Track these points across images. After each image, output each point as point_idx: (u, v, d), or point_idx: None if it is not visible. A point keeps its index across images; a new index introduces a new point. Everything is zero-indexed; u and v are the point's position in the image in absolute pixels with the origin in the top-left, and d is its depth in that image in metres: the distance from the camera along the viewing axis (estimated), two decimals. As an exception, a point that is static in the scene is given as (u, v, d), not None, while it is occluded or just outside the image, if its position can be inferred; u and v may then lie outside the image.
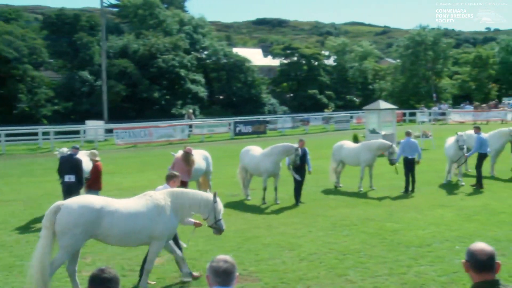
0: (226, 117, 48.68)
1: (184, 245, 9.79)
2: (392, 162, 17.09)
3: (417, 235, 11.49)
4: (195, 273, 9.20)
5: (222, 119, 44.92)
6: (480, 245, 3.83)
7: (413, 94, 72.59)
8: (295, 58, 72.89)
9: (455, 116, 50.69)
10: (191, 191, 9.20)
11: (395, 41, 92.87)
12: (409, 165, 16.80)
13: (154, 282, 9.10)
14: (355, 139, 28.95)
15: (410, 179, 16.80)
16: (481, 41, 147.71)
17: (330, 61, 77.50)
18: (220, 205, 8.78)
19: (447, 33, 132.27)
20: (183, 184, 13.81)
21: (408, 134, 17.58)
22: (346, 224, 12.81)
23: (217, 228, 8.79)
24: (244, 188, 16.82)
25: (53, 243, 8.11)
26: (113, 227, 8.18)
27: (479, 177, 17.19)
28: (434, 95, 70.59)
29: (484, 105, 56.65)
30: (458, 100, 71.04)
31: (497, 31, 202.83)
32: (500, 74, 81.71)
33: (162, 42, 55.64)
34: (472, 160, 18.42)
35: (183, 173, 13.37)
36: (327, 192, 17.53)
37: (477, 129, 18.22)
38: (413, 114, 51.85)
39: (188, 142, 33.63)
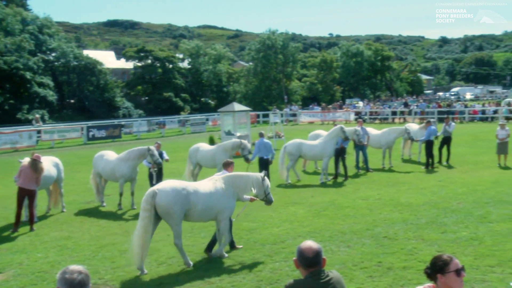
0: (78, 121, 46.70)
1: (233, 219, 10.98)
2: (246, 159, 17.47)
3: (272, 233, 11.91)
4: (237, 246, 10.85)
5: (73, 124, 43.05)
6: (308, 243, 4.10)
7: (265, 96, 75.15)
8: (149, 61, 71.99)
9: (305, 117, 53.24)
10: (244, 173, 10.76)
11: (247, 44, 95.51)
12: (264, 165, 17.40)
13: (241, 246, 10.85)
14: (211, 141, 29.26)
15: (265, 178, 17.39)
16: (325, 46, 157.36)
17: (185, 64, 77.60)
18: (267, 181, 10.44)
19: (295, 37, 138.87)
20: (30, 193, 13.04)
21: (261, 135, 18.19)
22: (204, 226, 12.87)
23: (268, 200, 10.47)
24: (98, 195, 16.25)
25: (152, 224, 9.53)
26: (197, 203, 9.74)
27: (337, 171, 18.74)
28: (285, 97, 73.73)
29: (330, 106, 60.26)
30: (307, 102, 74.85)
31: (338, 36, 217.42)
32: (343, 77, 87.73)
33: (3, 42, 51.77)
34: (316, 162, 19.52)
35: (30, 181, 12.80)
36: (184, 194, 17.48)
37: (361, 122, 19.69)
38: (266, 116, 53.60)
39: (37, 149, 31.75)
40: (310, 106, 64.72)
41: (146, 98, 72.26)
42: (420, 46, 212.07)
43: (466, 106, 51.09)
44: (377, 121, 48.80)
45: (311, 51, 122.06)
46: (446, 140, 21.61)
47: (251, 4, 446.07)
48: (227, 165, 11.29)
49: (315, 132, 22.14)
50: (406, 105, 56.10)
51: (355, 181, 18.92)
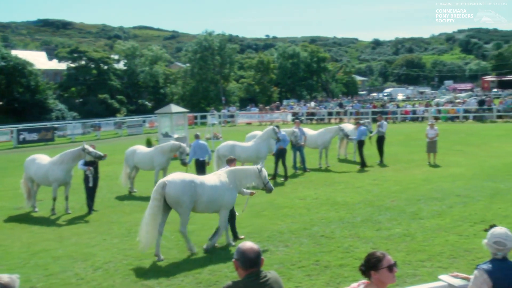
0: (7, 124, 44.93)
1: (237, 213, 11.74)
2: (183, 162, 17.43)
3: (210, 235, 11.86)
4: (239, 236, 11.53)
5: (2, 127, 41.34)
6: (249, 244, 4.11)
7: (203, 98, 74.93)
8: (83, 62, 70.25)
9: (242, 118, 53.38)
10: (244, 167, 11.54)
11: (184, 45, 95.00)
12: (201, 167, 17.34)
13: (243, 236, 11.41)
14: (149, 143, 28.88)
15: (203, 180, 17.34)
16: (262, 47, 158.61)
17: (120, 65, 76.19)
18: (264, 172, 10.97)
19: (231, 39, 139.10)
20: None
21: (197, 136, 18.11)
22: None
23: (268, 189, 10.99)
24: (29, 200, 15.67)
25: (161, 213, 10.15)
26: (203, 195, 10.36)
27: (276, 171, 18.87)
28: (223, 98, 73.78)
29: (268, 107, 60.73)
30: (245, 103, 75.14)
31: (275, 38, 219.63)
32: (280, 78, 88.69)
33: None
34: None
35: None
36: (121, 198, 17.21)
37: (277, 128, 19.80)
38: (204, 117, 53.43)
39: (-37, 154, 30.30)
40: (248, 107, 64.96)
41: (81, 100, 70.45)
42: (354, 48, 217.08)
43: (398, 107, 52.71)
44: (314, 122, 49.57)
45: (248, 53, 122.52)
46: (380, 140, 22.24)
47: (188, 5, 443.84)
48: (230, 161, 12.01)
49: (253, 133, 22.22)
50: (341, 105, 57.33)
51: (293, 181, 19.14)
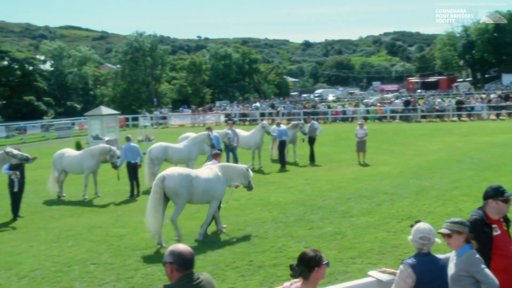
0: None
1: (222, 205, 12.70)
2: (115, 166, 17.10)
3: (143, 238, 11.69)
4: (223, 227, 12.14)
5: None
6: (182, 246, 4.08)
7: (135, 99, 73.67)
8: (6, 62, 67.28)
9: (175, 119, 52.92)
10: (235, 164, 12.87)
11: (114, 46, 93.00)
12: (132, 170, 17.06)
13: (225, 226, 12.21)
14: (78, 146, 28.13)
15: (135, 183, 17.08)
16: (194, 48, 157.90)
17: (47, 66, 73.61)
18: (251, 172, 12.21)
19: (163, 39, 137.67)
20: None
21: (128, 139, 17.79)
22: (72, 234, 12.38)
23: (249, 187, 12.26)
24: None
25: (162, 204, 10.99)
26: (198, 187, 11.30)
27: None
28: (155, 99, 72.85)
29: (200, 108, 60.47)
30: (177, 104, 74.53)
31: (207, 39, 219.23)
32: (212, 79, 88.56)
33: None
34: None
35: None
36: (49, 203, 16.66)
37: (210, 129, 19.71)
38: (136, 119, 52.57)
39: None
40: (180, 108, 64.45)
41: (4, 102, 67.51)
42: (285, 49, 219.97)
43: (329, 107, 53.82)
44: (246, 123, 49.82)
45: (180, 54, 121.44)
46: (311, 140, 22.66)
47: (117, 5, 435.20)
48: (216, 156, 12.98)
49: (185, 134, 22.08)
50: (273, 106, 57.87)
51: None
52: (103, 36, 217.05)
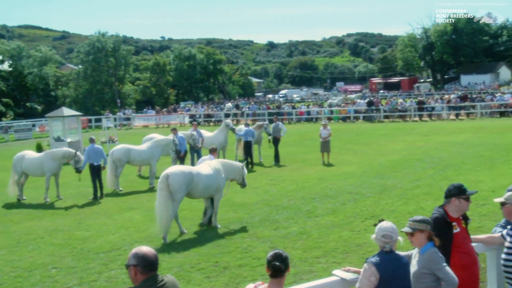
0: None
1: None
2: (78, 170, 16.85)
3: (107, 240, 11.55)
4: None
5: None
6: (146, 248, 4.04)
7: (97, 100, 72.65)
8: (-38, 63, 65.43)
9: (139, 120, 52.41)
10: (233, 161, 14.07)
11: (76, 46, 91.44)
12: (96, 172, 16.80)
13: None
14: (39, 148, 27.54)
15: (98, 185, 16.84)
16: (158, 49, 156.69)
17: (5, 66, 71.78)
18: (245, 170, 13.10)
19: (126, 40, 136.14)
20: None
21: (91, 140, 17.52)
22: (32, 238, 12.12)
23: (243, 184, 12.99)
24: None
25: (170, 199, 11.46)
26: (199, 183, 11.88)
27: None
28: (118, 100, 71.98)
29: (165, 109, 59.99)
30: (141, 105, 73.82)
31: (170, 40, 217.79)
32: (176, 80, 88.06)
33: None
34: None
35: None
36: (9, 206, 16.28)
37: (175, 130, 19.58)
38: (99, 120, 51.79)
39: None
40: (144, 109, 63.85)
41: (-41, 103, 65.57)
42: (249, 50, 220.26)
43: (293, 108, 54.08)
44: (211, 124, 49.68)
45: (143, 54, 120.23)
46: (275, 140, 22.77)
47: (79, 4, 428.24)
48: (213, 151, 13.96)
49: (150, 135, 21.93)
50: (237, 107, 57.86)
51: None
52: (64, 36, 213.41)
